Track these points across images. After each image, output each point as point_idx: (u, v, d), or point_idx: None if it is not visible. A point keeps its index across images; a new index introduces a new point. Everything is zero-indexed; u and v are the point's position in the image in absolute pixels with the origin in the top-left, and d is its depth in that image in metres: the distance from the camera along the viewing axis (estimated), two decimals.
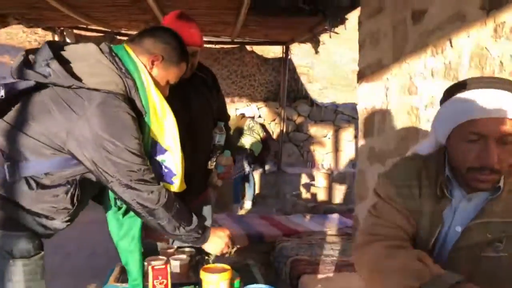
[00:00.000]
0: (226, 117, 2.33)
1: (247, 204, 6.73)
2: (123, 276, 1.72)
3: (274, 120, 8.19)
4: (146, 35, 1.57)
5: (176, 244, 1.93)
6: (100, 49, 1.47)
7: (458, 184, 1.17)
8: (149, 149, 1.50)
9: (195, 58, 1.95)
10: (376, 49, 3.00)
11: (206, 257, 1.72)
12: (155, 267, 1.39)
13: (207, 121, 2.08)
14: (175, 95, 1.94)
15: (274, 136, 8.12)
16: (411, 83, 2.45)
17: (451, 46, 2.06)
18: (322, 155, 8.35)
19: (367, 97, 3.12)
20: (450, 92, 1.17)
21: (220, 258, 1.74)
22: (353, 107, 7.52)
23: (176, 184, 1.55)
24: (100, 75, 1.39)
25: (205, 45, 7.19)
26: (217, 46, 7.39)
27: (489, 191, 1.12)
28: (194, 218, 1.53)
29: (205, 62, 7.37)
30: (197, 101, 2.03)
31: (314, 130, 8.28)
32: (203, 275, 1.33)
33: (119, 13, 4.18)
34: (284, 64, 7.24)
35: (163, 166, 1.52)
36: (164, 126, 1.51)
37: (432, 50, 2.22)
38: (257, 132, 6.86)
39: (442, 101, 1.20)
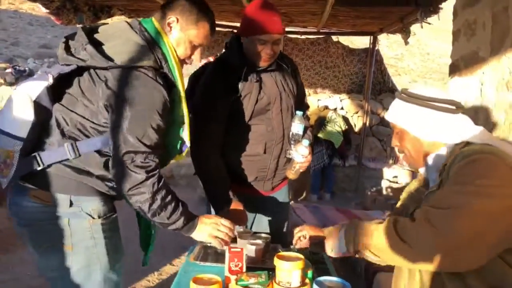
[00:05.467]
0: (305, 107, 2.34)
1: (326, 196, 6.69)
2: (203, 255, 1.83)
3: (357, 112, 7.98)
4: (166, 5, 1.65)
5: (254, 229, 2.00)
6: (130, 26, 1.56)
7: None
8: (179, 119, 1.58)
9: (277, 46, 1.99)
10: (471, 41, 2.80)
11: (291, 246, 1.73)
12: (231, 249, 1.46)
13: (286, 110, 2.10)
14: (255, 81, 2.00)
15: (356, 129, 7.92)
16: (510, 78, 2.26)
17: None
18: None
19: (460, 92, 2.93)
20: None
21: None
22: None
23: (183, 154, 1.62)
24: (132, 52, 1.48)
25: (291, 36, 7.21)
26: (303, 37, 7.34)
27: None
28: (181, 208, 1.54)
29: (290, 52, 7.38)
30: (276, 88, 2.06)
31: None
32: (277, 262, 1.36)
33: (210, 3, 4.35)
34: (371, 55, 6.99)
35: (184, 138, 1.61)
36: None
37: None
38: (338, 124, 6.75)
39: None
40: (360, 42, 8.12)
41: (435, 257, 1.17)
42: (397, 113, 1.47)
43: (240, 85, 2.00)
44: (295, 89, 2.18)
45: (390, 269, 2.31)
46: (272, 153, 2.09)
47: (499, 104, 2.39)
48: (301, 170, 2.08)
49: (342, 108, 8.00)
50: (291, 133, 2.08)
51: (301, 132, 2.08)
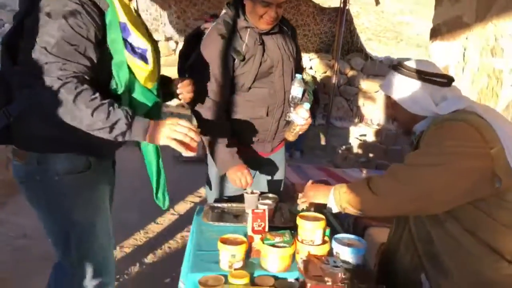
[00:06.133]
0: (301, 70, 2.37)
1: (296, 154, 6.85)
2: (214, 215, 1.88)
3: (325, 72, 8.09)
4: None
5: (258, 189, 2.06)
6: None
7: None
8: (120, 35, 1.45)
9: (280, 9, 1.98)
10: (456, 6, 2.89)
11: (297, 203, 1.79)
12: (255, 211, 1.52)
13: (287, 73, 2.12)
14: (258, 44, 2.00)
15: (325, 89, 8.05)
16: (496, 44, 2.38)
17: None
18: (372, 111, 8.24)
19: (441, 56, 3.05)
20: None
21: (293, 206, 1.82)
22: None
23: (150, 62, 1.50)
24: None
25: None
26: None
27: None
28: (119, 110, 1.39)
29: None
30: (278, 51, 2.07)
31: (366, 84, 8.13)
32: (300, 222, 1.44)
33: None
34: (342, 14, 7.02)
35: (135, 48, 1.49)
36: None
37: None
38: (309, 84, 6.83)
39: None
40: (330, 1, 8.09)
41: (400, 205, 1.38)
42: (391, 85, 1.56)
43: (244, 48, 2.00)
44: (295, 52, 2.19)
45: (378, 224, 2.48)
46: (274, 116, 2.13)
47: (482, 69, 2.51)
48: (300, 132, 2.14)
49: (311, 68, 8.07)
50: (291, 96, 2.12)
51: (300, 95, 2.12)
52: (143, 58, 1.50)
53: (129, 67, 1.48)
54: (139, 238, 3.34)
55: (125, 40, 1.45)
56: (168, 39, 7.42)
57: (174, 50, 7.52)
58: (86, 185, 1.56)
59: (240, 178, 1.96)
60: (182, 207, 4.08)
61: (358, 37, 8.08)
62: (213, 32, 2.03)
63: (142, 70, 1.50)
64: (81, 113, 1.34)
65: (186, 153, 1.49)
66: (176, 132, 1.45)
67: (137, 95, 1.55)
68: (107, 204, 1.68)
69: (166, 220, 3.74)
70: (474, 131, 1.34)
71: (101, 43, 1.43)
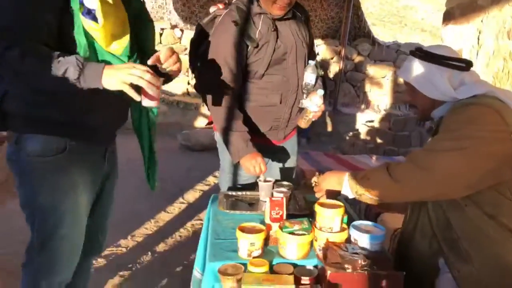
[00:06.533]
0: (314, 57, 2.34)
1: (302, 141, 6.82)
2: (229, 203, 1.87)
3: (332, 58, 8.01)
4: None
5: (271, 177, 2.04)
6: None
7: None
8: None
9: None
10: None
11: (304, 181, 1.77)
12: (272, 199, 1.51)
13: (301, 59, 2.09)
14: (272, 31, 1.96)
15: (331, 75, 7.98)
16: None
17: None
18: (379, 97, 8.17)
19: (454, 39, 3.00)
20: None
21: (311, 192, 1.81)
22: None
23: (100, 21, 1.41)
24: None
25: None
26: None
27: None
28: (68, 57, 1.32)
29: None
30: (292, 38, 2.04)
31: (373, 70, 8.05)
32: (319, 209, 1.43)
33: None
34: None
35: (91, 10, 1.40)
36: None
37: None
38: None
39: None
40: None
41: (420, 191, 1.37)
42: (409, 70, 1.54)
43: (258, 34, 1.96)
44: (307, 38, 2.16)
45: (392, 210, 2.47)
46: (287, 103, 2.11)
47: (498, 52, 2.47)
48: (313, 119, 2.11)
49: (317, 54, 7.98)
50: (304, 82, 2.09)
51: (313, 82, 2.09)
52: (94, 18, 1.41)
53: (87, 32, 1.42)
54: (150, 227, 3.35)
55: (81, 4, 1.39)
56: (173, 27, 7.36)
57: (180, 38, 7.46)
58: (56, 169, 1.49)
59: (254, 165, 1.94)
60: (192, 195, 4.08)
61: (365, 22, 7.98)
62: (226, 19, 2.00)
63: (94, 30, 1.42)
64: (30, 68, 1.30)
65: (144, 102, 1.40)
66: (131, 75, 1.33)
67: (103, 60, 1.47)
68: (81, 192, 1.57)
69: (176, 209, 3.74)
70: (495, 115, 1.32)
71: (63, 10, 1.38)
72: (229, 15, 1.98)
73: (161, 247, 3.03)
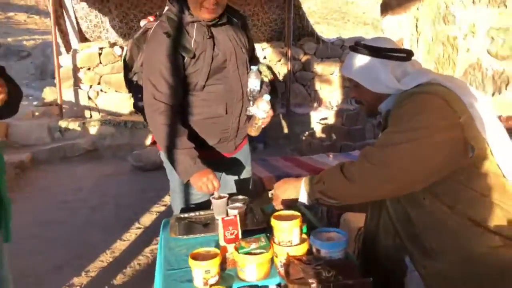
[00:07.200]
0: (256, 62, 2.25)
1: (259, 146, 6.75)
2: (182, 227, 1.74)
3: (279, 60, 8.01)
4: None
5: (226, 191, 1.92)
6: None
7: None
8: None
9: None
10: None
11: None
12: (225, 219, 1.39)
13: (242, 66, 2.00)
14: (207, 38, 1.86)
15: (281, 77, 7.98)
16: (447, 12, 2.34)
17: None
18: (330, 93, 8.26)
19: (394, 30, 3.01)
20: None
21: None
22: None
23: None
24: None
25: None
26: None
27: None
28: None
29: None
30: (230, 44, 1.94)
31: (321, 68, 8.13)
32: (275, 223, 1.33)
33: None
34: (289, 0, 6.94)
35: None
36: None
37: None
38: (265, 74, 6.72)
39: None
40: None
41: (377, 189, 1.30)
42: (351, 66, 1.49)
43: (193, 44, 1.85)
44: (247, 43, 2.07)
45: (354, 209, 2.42)
46: (233, 112, 2.00)
47: (436, 38, 2.48)
48: (263, 126, 2.02)
49: (264, 58, 7.96)
50: (248, 89, 2.00)
51: (258, 88, 2.00)
52: None
53: None
54: (105, 259, 3.13)
55: None
56: (112, 45, 7.09)
57: (121, 55, 7.21)
58: None
59: (206, 183, 1.80)
60: (148, 218, 3.88)
61: (307, 21, 8.04)
62: (157, 31, 1.87)
63: None
64: None
65: None
66: None
67: None
68: None
69: (132, 235, 3.53)
70: (441, 102, 1.27)
71: None
72: (160, 26, 1.86)
73: (119, 280, 2.83)
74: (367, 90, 1.46)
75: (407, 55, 1.44)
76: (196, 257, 1.28)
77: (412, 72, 1.42)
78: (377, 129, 1.52)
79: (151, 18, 2.01)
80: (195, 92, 1.92)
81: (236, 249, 1.31)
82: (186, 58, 1.85)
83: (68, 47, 7.08)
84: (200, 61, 1.86)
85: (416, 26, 2.71)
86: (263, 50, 7.94)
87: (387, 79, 1.40)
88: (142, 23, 2.03)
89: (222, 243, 1.38)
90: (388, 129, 1.35)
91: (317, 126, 6.28)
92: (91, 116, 7.02)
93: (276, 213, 1.39)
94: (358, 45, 1.48)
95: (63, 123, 6.50)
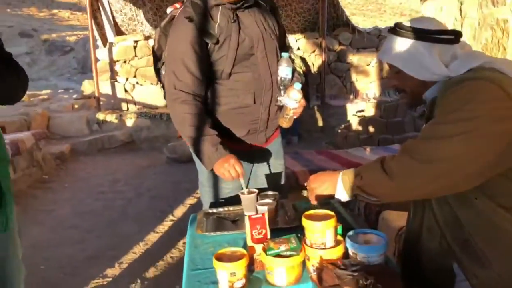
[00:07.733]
0: (288, 48, 2.14)
1: (293, 139, 6.63)
2: (209, 224, 1.67)
3: (314, 51, 7.83)
4: None
5: (257, 186, 1.84)
6: None
7: None
8: None
9: None
10: None
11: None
12: (252, 217, 1.30)
13: (271, 53, 1.89)
14: (232, 22, 1.76)
15: (315, 68, 7.81)
16: None
17: None
18: (366, 85, 8.01)
19: (435, 16, 2.81)
20: None
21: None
22: None
23: None
24: None
25: None
26: None
27: None
28: None
29: None
30: (257, 28, 1.84)
31: (357, 58, 7.89)
32: (306, 223, 1.23)
33: None
34: None
35: None
36: None
37: None
38: (298, 66, 6.57)
39: None
40: None
41: (421, 188, 1.17)
42: (391, 50, 1.34)
43: (217, 29, 1.76)
44: (276, 29, 1.96)
45: (395, 207, 2.28)
46: (262, 102, 1.91)
47: (484, 22, 2.29)
48: (295, 117, 1.92)
49: (298, 49, 7.81)
50: (279, 78, 1.89)
51: (290, 76, 1.89)
52: None
53: None
54: (138, 250, 3.13)
55: None
56: (147, 38, 7.14)
57: None
58: None
59: (228, 169, 1.70)
60: (181, 211, 3.87)
61: (342, 10, 7.80)
62: (180, 16, 1.80)
63: None
64: None
65: None
66: None
67: None
68: None
69: (165, 227, 3.53)
70: (497, 89, 1.12)
71: None
72: (183, 11, 1.79)
73: (151, 272, 2.81)
74: (410, 77, 1.32)
75: (455, 36, 1.29)
76: (221, 258, 1.20)
77: (461, 56, 1.26)
78: (420, 119, 1.39)
79: (177, 5, 1.94)
80: (222, 80, 1.84)
81: (264, 250, 1.22)
82: (210, 44, 1.77)
83: (104, 40, 7.19)
84: (225, 47, 1.78)
85: (460, 10, 2.52)
86: (297, 41, 7.78)
87: (433, 65, 1.26)
88: (169, 10, 1.97)
89: (249, 243, 1.29)
90: (433, 120, 1.21)
91: (353, 119, 6.09)
92: (127, 109, 7.13)
93: (308, 212, 1.29)
94: (399, 27, 1.34)
95: (100, 116, 6.63)
